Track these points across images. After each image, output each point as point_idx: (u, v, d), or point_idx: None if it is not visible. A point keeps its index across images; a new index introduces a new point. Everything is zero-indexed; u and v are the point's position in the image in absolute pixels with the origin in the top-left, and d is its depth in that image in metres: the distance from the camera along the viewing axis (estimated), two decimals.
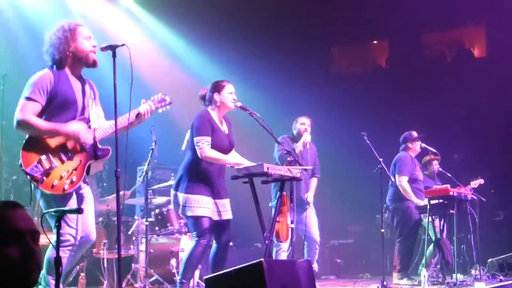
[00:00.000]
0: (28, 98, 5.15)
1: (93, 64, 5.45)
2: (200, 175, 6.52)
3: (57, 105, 5.23)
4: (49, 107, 5.21)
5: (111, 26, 12.13)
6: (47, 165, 5.11)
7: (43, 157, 5.13)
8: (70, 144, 5.26)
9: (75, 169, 5.26)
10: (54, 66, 5.32)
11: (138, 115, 5.62)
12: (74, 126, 5.26)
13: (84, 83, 5.50)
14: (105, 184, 9.86)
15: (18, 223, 2.57)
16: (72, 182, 5.21)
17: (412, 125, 10.52)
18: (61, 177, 5.16)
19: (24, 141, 5.17)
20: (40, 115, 5.18)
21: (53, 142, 5.20)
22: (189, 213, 6.47)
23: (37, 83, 5.18)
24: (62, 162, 5.20)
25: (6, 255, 2.51)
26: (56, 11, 10.97)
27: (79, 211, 4.38)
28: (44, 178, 5.08)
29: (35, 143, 5.16)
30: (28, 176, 5.07)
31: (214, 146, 6.52)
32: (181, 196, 6.50)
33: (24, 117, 5.10)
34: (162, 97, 5.92)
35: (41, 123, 5.14)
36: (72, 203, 5.21)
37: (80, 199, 5.37)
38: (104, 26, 11.94)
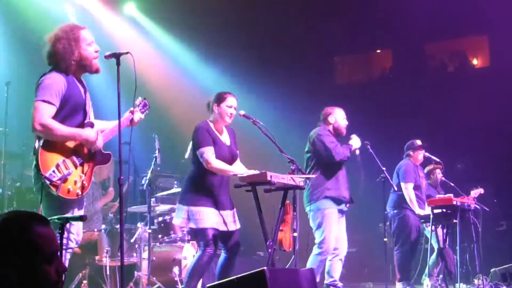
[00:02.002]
0: (46, 101, 5.09)
1: (96, 71, 5.45)
2: (203, 187, 6.54)
3: (70, 109, 5.22)
4: (62, 111, 5.17)
5: (115, 34, 12.16)
6: (64, 171, 5.08)
7: (60, 161, 5.10)
8: (83, 149, 5.27)
9: (85, 174, 5.27)
10: (59, 70, 5.28)
11: (131, 122, 5.64)
12: (91, 133, 5.28)
13: (84, 87, 5.50)
14: (108, 190, 9.86)
15: (56, 242, 2.65)
16: (83, 187, 5.22)
17: (415, 134, 10.51)
18: (75, 183, 5.15)
19: (41, 143, 5.09)
20: (53, 118, 5.13)
21: (68, 146, 5.18)
22: (193, 226, 6.49)
23: (52, 86, 5.13)
24: (76, 167, 5.19)
25: (49, 274, 2.58)
26: (59, 19, 10.99)
27: (82, 218, 4.39)
28: (62, 184, 5.04)
29: (52, 146, 5.11)
30: (47, 181, 5.00)
31: (215, 157, 6.54)
32: (185, 208, 6.52)
33: (45, 121, 5.04)
34: (144, 101, 5.92)
35: (63, 128, 5.10)
36: (76, 209, 5.20)
37: (80, 203, 5.38)
38: (108, 34, 11.97)
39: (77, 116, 5.28)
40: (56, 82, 5.17)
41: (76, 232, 5.28)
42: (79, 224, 5.41)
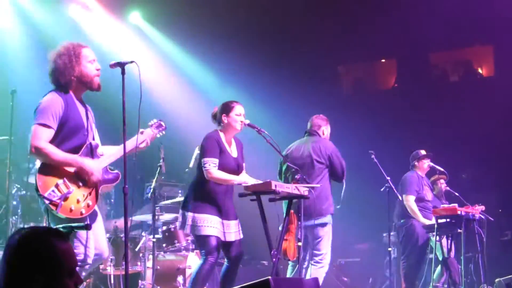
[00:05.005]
0: (43, 125, 5.10)
1: (97, 88, 5.45)
2: (207, 195, 6.55)
3: (68, 131, 5.21)
4: (61, 133, 5.18)
5: (120, 43, 12.19)
6: (64, 190, 5.07)
7: (60, 181, 5.09)
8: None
9: (90, 193, 5.24)
10: (60, 89, 5.30)
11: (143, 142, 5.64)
12: (90, 163, 5.24)
13: (86, 107, 5.50)
14: (112, 200, 9.87)
15: (75, 257, 2.76)
16: (88, 206, 5.20)
17: (420, 143, 10.51)
18: (78, 201, 5.13)
19: (39, 165, 5.11)
20: (52, 140, 5.14)
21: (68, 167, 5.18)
22: (197, 232, 6.49)
23: (49, 109, 5.14)
24: (78, 186, 5.17)
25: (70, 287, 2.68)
26: (66, 28, 11.05)
27: (87, 227, 4.38)
28: (62, 202, 5.03)
29: (51, 167, 5.11)
30: (47, 201, 5.00)
31: (220, 167, 6.54)
32: (189, 215, 6.51)
33: (41, 146, 5.05)
34: (158, 122, 5.93)
35: (59, 154, 5.10)
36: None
37: (92, 218, 5.35)
38: (113, 43, 12.00)
39: (75, 137, 5.27)
40: (53, 104, 5.18)
41: (93, 247, 5.27)
42: (101, 236, 5.41)
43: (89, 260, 5.23)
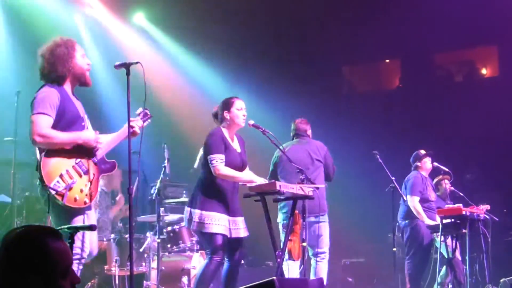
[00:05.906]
0: (41, 113, 5.14)
1: (88, 83, 5.51)
2: (214, 192, 6.53)
3: (67, 121, 5.25)
4: (60, 123, 5.21)
5: (124, 44, 12.20)
6: (68, 180, 5.13)
7: (63, 172, 5.15)
8: (86, 159, 5.31)
9: (91, 183, 5.30)
10: (53, 83, 5.33)
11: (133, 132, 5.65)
12: (89, 134, 5.34)
13: (78, 99, 5.54)
14: (117, 198, 9.87)
15: (70, 256, 2.72)
16: (90, 195, 5.27)
17: (424, 144, 10.49)
18: (81, 191, 5.20)
19: (41, 157, 5.14)
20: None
21: (70, 156, 5.23)
22: (203, 230, 6.46)
23: (46, 99, 5.19)
24: (80, 176, 5.23)
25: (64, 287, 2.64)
26: (69, 29, 11.05)
27: (91, 228, 4.40)
28: (68, 193, 5.09)
29: (54, 158, 5.16)
30: (53, 192, 5.05)
31: (226, 163, 6.52)
32: (196, 212, 6.49)
33: (43, 131, 5.10)
34: (144, 111, 5.92)
35: (62, 135, 5.16)
36: (81, 219, 5.21)
37: (90, 214, 5.40)
38: (117, 44, 12.01)
39: (74, 128, 5.30)
40: (50, 95, 5.22)
41: (89, 243, 5.30)
42: (93, 235, 5.44)
43: (85, 255, 5.27)
